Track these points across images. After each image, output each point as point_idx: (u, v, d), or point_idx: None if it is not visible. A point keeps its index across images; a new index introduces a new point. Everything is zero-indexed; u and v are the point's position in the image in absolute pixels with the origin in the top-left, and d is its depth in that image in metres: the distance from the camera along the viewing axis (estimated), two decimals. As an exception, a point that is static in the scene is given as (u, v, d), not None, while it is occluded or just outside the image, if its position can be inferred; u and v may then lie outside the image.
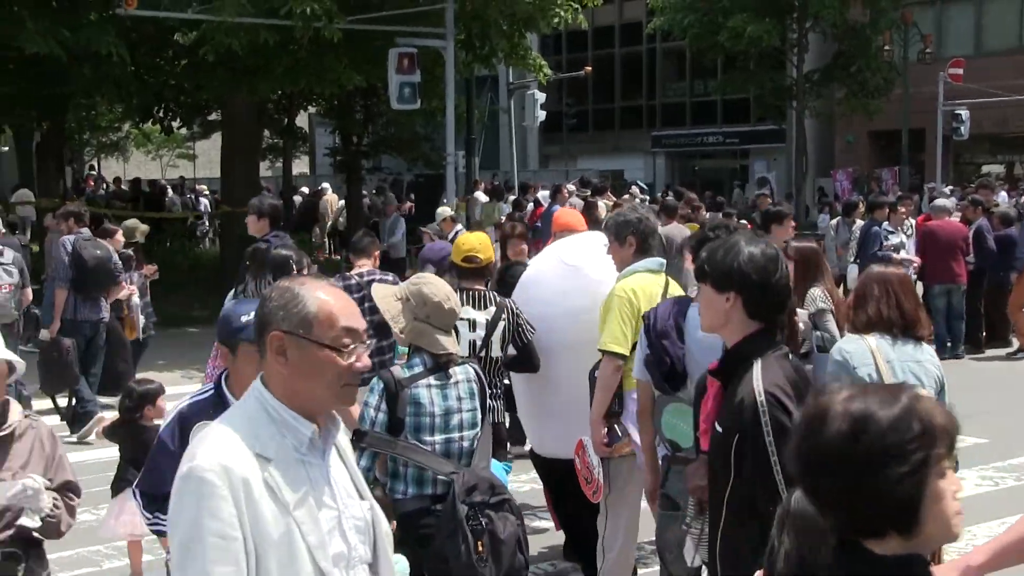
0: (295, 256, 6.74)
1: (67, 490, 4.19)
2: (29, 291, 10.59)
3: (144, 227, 12.99)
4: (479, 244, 6.43)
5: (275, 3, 15.72)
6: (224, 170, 21.27)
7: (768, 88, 33.36)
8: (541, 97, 25.76)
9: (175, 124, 26.02)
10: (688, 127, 44.84)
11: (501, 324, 6.17)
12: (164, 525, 3.74)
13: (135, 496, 4.12)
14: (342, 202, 27.60)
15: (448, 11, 17.75)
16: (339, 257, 23.70)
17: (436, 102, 21.04)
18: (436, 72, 19.43)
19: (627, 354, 5.48)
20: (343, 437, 2.83)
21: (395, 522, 4.22)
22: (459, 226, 14.55)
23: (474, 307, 6.18)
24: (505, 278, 7.39)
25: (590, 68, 35.83)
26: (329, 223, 27.59)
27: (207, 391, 3.98)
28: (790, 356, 3.67)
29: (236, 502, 2.47)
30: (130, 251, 11.71)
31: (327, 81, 18.23)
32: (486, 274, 6.50)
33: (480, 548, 4.36)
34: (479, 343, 6.13)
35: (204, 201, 31.15)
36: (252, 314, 3.69)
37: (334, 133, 30.86)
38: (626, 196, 20.31)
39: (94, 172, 41.17)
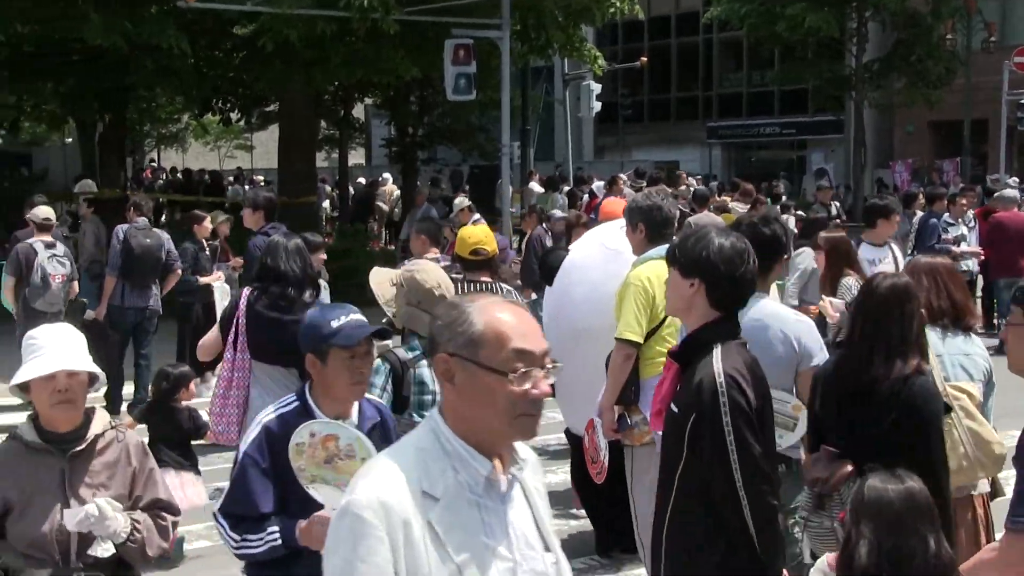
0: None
1: (158, 508, 3.86)
2: (76, 284, 10.87)
3: (223, 217, 13.17)
4: (485, 237, 6.63)
5: (334, -6, 15.82)
6: (281, 161, 21.42)
7: (826, 78, 33.01)
8: (597, 88, 25.69)
9: (233, 115, 26.28)
10: (744, 118, 44.48)
11: None
12: (252, 548, 3.65)
13: (217, 518, 3.77)
14: (397, 192, 27.71)
15: (504, 2, 17.73)
16: (393, 247, 23.80)
17: (491, 93, 21.06)
18: (491, 63, 19.43)
19: (641, 342, 5.54)
20: (533, 477, 2.51)
21: None
22: (476, 215, 14.57)
23: None
24: (547, 263, 7.47)
25: (646, 59, 35.65)
26: (386, 213, 27.71)
27: (291, 402, 3.78)
28: (747, 347, 3.77)
29: (393, 545, 2.25)
30: (216, 242, 11.96)
31: (384, 72, 18.29)
32: (492, 265, 6.63)
33: None
34: None
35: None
36: (343, 318, 3.70)
37: (390, 124, 30.97)
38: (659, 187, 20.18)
39: (154, 164, 41.68)
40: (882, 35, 33.51)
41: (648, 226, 5.67)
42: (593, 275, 6.30)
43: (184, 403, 6.85)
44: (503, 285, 6.51)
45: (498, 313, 2.35)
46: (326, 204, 27.82)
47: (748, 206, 15.22)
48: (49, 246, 10.48)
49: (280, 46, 16.31)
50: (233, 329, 5.97)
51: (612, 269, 6.09)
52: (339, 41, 17.00)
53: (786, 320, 4.83)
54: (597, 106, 26.04)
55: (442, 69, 17.85)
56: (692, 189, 16.83)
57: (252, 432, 3.76)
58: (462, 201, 15.90)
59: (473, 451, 2.33)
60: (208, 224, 11.70)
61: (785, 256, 5.33)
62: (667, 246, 5.32)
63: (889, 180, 33.97)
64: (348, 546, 2.27)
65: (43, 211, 10.80)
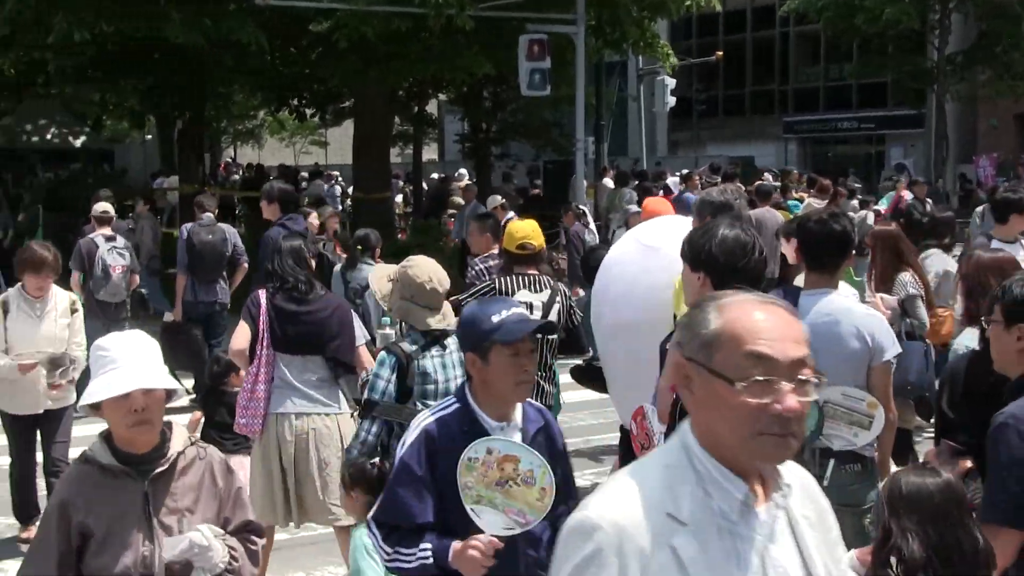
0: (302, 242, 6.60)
1: (248, 532, 3.53)
2: (136, 276, 11.11)
3: (331, 211, 13.28)
4: (532, 231, 6.71)
5: (409, -9, 15.89)
6: (356, 157, 21.57)
7: (907, 71, 32.46)
8: (671, 83, 25.51)
9: (308, 112, 26.53)
10: (822, 112, 43.94)
11: (556, 306, 6.47)
12: (404, 562, 3.39)
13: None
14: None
15: (579, -3, 17.69)
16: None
17: (565, 88, 21.01)
18: (565, 58, 19.38)
19: None
20: (802, 505, 2.18)
21: None
22: (510, 213, 14.53)
23: (530, 290, 6.48)
24: (589, 261, 7.56)
25: (721, 53, 35.34)
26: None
27: (451, 404, 3.54)
28: None
29: (623, 572, 2.00)
30: (323, 237, 12.03)
31: (458, 68, 18.33)
32: (539, 260, 6.74)
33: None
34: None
35: (337, 188, 31.69)
36: (504, 312, 3.48)
37: (463, 120, 31.02)
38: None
39: (230, 160, 42.21)
40: (965, 26, 32.86)
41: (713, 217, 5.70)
42: (630, 271, 6.26)
43: (235, 388, 6.84)
44: (547, 279, 6.60)
45: (742, 312, 2.07)
46: (399, 200, 27.95)
47: (826, 201, 15.00)
48: (109, 239, 10.78)
49: (356, 43, 16.42)
50: (258, 327, 6.15)
51: (648, 264, 6.08)
52: (414, 37, 17.07)
53: (857, 315, 4.73)
54: (671, 101, 25.85)
55: (516, 65, 17.84)
56: (757, 184, 16.60)
57: (410, 435, 3.52)
58: (495, 199, 15.93)
59: (726, 471, 2.05)
60: (315, 220, 11.70)
61: (853, 252, 5.22)
62: None
63: (972, 175, 33.31)
64: (573, 569, 2.04)
65: (101, 206, 11.13)
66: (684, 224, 5.93)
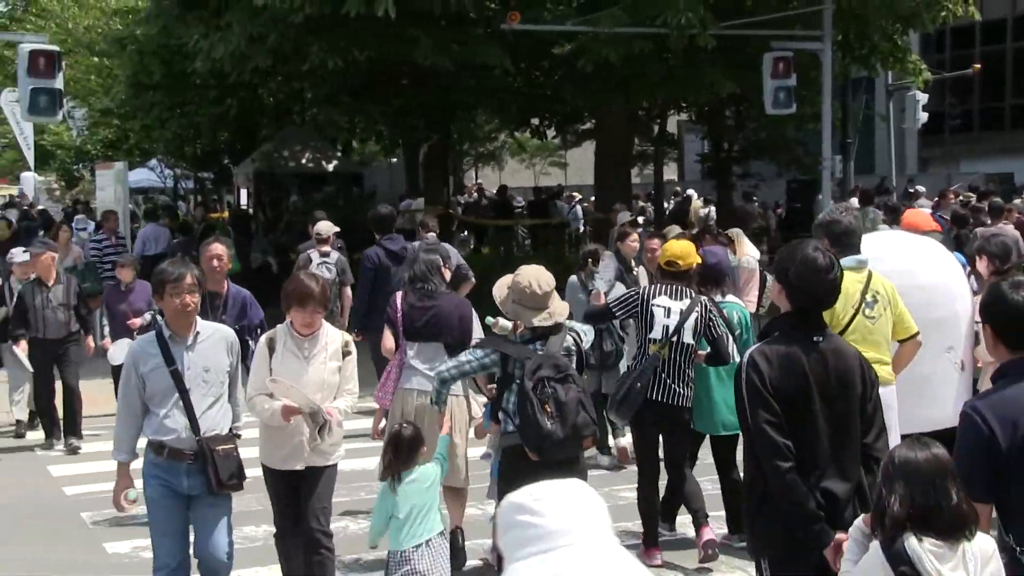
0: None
1: None
2: (348, 290, 12.08)
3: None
4: (681, 252, 7.41)
5: (650, 13, 15.88)
6: (597, 177, 21.71)
7: None
8: (923, 98, 24.56)
9: (549, 133, 26.89)
10: (1088, 126, 41.27)
11: (694, 315, 7.14)
12: None
13: None
14: (707, 208, 27.41)
15: (826, 13, 17.25)
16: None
17: (809, 106, 20.55)
18: (810, 75, 18.96)
19: None
20: None
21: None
22: (636, 231, 14.35)
23: (670, 297, 7.20)
24: None
25: (979, 66, 33.73)
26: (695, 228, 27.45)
27: None
28: (816, 341, 4.40)
29: None
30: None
31: (700, 88, 18.21)
32: (685, 278, 7.37)
33: (547, 409, 5.66)
34: (672, 328, 7.12)
35: (579, 208, 31.96)
36: None
37: (704, 139, 30.73)
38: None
39: (478, 183, 43.14)
40: None
41: (830, 239, 6.12)
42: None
43: None
44: (691, 290, 7.28)
45: None
46: (640, 220, 27.91)
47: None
48: (323, 255, 11.99)
49: (599, 65, 16.53)
50: (395, 324, 7.34)
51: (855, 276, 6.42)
52: (656, 58, 17.06)
53: None
54: (923, 117, 24.89)
55: (760, 83, 17.56)
56: (990, 200, 15.73)
57: None
58: (624, 215, 15.88)
59: None
60: (633, 243, 11.01)
61: None
62: (853, 256, 6.14)
63: None
64: None
65: (319, 226, 12.40)
66: (904, 239, 6.60)
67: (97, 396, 11.43)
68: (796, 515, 4.27)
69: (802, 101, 19.39)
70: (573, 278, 10.06)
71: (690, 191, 30.56)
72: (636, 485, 7.44)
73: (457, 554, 6.81)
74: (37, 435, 11.48)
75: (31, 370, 11.17)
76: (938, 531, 3.52)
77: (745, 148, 28.22)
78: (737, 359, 6.83)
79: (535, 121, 24.91)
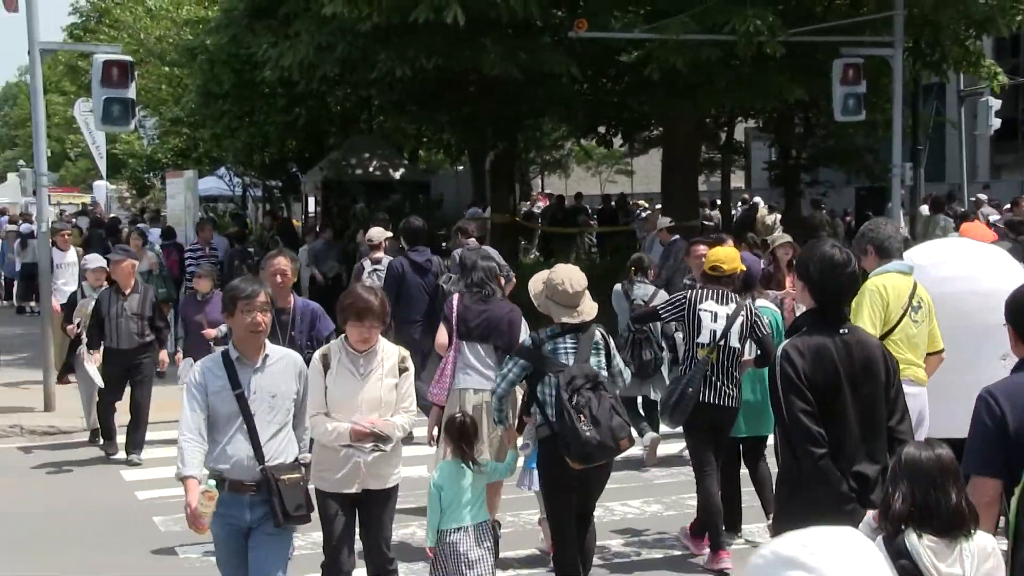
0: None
1: None
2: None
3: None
4: (725, 257, 7.73)
5: (718, 20, 15.78)
6: (664, 185, 21.59)
7: None
8: (996, 104, 24.13)
9: (616, 140, 26.79)
10: None
11: (740, 319, 7.43)
12: None
13: None
14: (772, 216, 27.15)
15: (897, 18, 17.01)
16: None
17: (879, 113, 20.27)
18: (880, 82, 18.70)
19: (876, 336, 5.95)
20: None
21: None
22: (675, 236, 15.15)
23: (716, 302, 7.50)
24: None
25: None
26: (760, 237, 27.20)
27: None
28: (841, 333, 4.73)
29: None
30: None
31: (768, 96, 18.05)
32: (730, 283, 7.65)
33: (582, 419, 6.03)
34: (719, 333, 7.39)
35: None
36: None
37: (771, 146, 30.42)
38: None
39: (545, 191, 43.12)
40: None
41: (875, 247, 6.61)
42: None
43: None
44: (736, 295, 7.55)
45: None
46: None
47: None
48: (375, 262, 12.10)
49: (665, 72, 16.44)
50: (451, 323, 7.71)
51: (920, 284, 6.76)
52: (724, 65, 16.93)
53: None
54: (996, 123, 24.45)
55: (828, 89, 17.35)
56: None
57: None
58: (664, 221, 15.96)
59: None
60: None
61: None
62: (902, 262, 6.58)
63: None
64: None
65: (371, 232, 12.73)
66: (967, 245, 7.00)
67: (168, 402, 11.19)
68: (830, 497, 4.55)
69: (871, 108, 19.12)
70: (618, 286, 10.38)
71: (757, 199, 30.27)
72: (691, 493, 7.68)
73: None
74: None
75: (101, 385, 10.99)
76: (937, 529, 3.71)
77: (813, 155, 27.91)
78: None
79: (601, 129, 24.83)
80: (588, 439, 6.01)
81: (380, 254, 12.32)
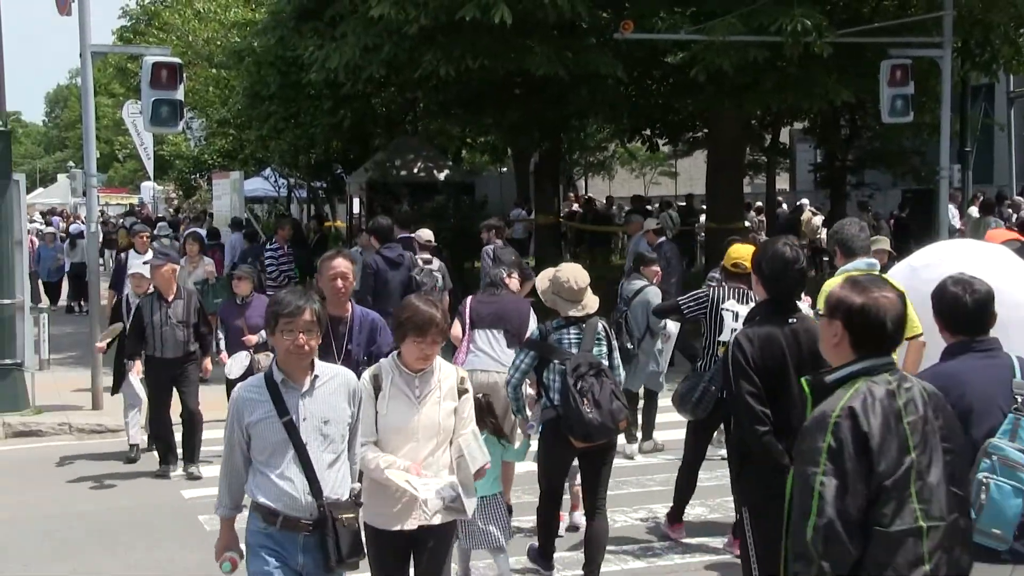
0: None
1: None
2: (446, 295, 12.22)
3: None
4: (746, 254, 7.79)
5: (765, 21, 15.69)
6: (709, 187, 21.49)
7: None
8: (1046, 105, 23.80)
9: (660, 142, 26.70)
10: None
11: None
12: None
13: None
14: (818, 218, 26.95)
15: (946, 18, 16.83)
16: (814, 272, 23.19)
17: (926, 115, 20.07)
18: (928, 83, 18.51)
19: None
20: None
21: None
22: (662, 238, 15.36)
23: (737, 301, 7.91)
24: None
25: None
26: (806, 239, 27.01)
27: None
28: (790, 323, 5.21)
29: None
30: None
31: (815, 97, 17.92)
32: (749, 280, 7.68)
33: (585, 403, 6.62)
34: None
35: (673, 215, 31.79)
36: None
37: (817, 148, 30.20)
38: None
39: (583, 193, 43.10)
40: None
41: (840, 247, 6.87)
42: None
43: None
44: (751, 294, 7.62)
45: None
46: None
47: None
48: (426, 261, 12.36)
49: (711, 73, 16.38)
50: (465, 318, 8.47)
51: (910, 284, 6.58)
52: (770, 66, 16.83)
53: None
54: (1047, 124, 24.12)
55: (875, 91, 17.20)
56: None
57: None
58: (650, 222, 16.10)
59: None
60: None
61: None
62: (861, 260, 6.74)
63: None
64: None
65: (420, 232, 13.12)
66: (966, 246, 6.95)
67: (215, 402, 11.04)
68: (773, 469, 4.90)
69: (920, 109, 18.94)
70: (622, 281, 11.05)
71: (803, 200, 30.08)
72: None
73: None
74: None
75: (143, 398, 10.66)
76: None
77: (860, 157, 27.68)
78: None
79: (647, 132, 24.75)
80: (590, 420, 6.62)
81: (428, 253, 12.55)
